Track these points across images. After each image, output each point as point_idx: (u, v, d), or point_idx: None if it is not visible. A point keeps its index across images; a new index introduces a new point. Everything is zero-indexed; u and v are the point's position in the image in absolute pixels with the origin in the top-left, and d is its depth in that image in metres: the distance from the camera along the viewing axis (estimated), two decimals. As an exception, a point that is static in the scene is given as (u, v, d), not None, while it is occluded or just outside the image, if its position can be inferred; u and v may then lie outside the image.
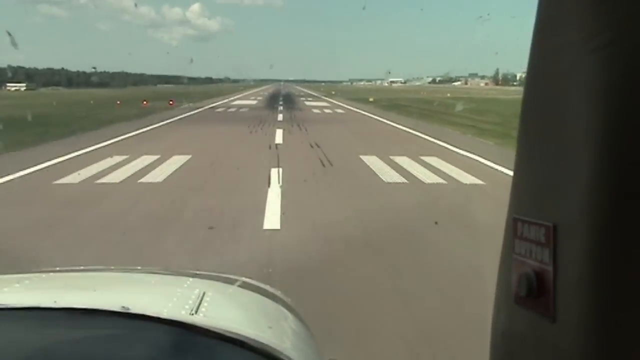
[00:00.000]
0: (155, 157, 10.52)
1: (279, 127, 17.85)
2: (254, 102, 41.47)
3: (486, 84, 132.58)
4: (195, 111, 26.96)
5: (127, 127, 17.41)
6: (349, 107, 33.62)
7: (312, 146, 13.18)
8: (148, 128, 17.98)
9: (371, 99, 40.23)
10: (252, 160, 10.58)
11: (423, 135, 15.77)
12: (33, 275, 1.07)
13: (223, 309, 0.93)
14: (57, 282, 1.08)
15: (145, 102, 29.97)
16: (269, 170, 9.03)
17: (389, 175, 9.00)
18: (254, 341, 0.72)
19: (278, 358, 0.71)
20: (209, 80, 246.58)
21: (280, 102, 39.28)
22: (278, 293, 1.20)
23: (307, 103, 39.84)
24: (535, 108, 0.46)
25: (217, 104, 36.84)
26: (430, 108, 29.47)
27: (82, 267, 1.26)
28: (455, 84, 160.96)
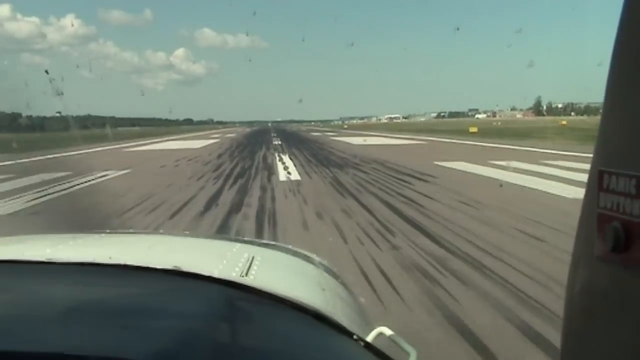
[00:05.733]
0: None
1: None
2: (213, 141, 25.19)
3: (523, 115, 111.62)
4: None
5: None
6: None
7: None
8: None
9: (473, 130, 28.85)
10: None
11: None
12: (87, 235, 1.10)
13: (273, 272, 0.93)
14: (110, 241, 1.12)
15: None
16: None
17: None
18: (305, 304, 0.71)
19: (329, 320, 0.70)
20: (189, 122, 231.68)
21: (275, 140, 23.64)
22: (325, 261, 1.18)
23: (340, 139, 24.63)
24: (626, 50, 0.42)
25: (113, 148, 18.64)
26: None
27: (132, 230, 1.40)
28: (479, 116, 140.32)
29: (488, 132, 28.49)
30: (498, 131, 29.09)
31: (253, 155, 17.09)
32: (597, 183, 0.43)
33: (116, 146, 23.39)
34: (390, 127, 52.78)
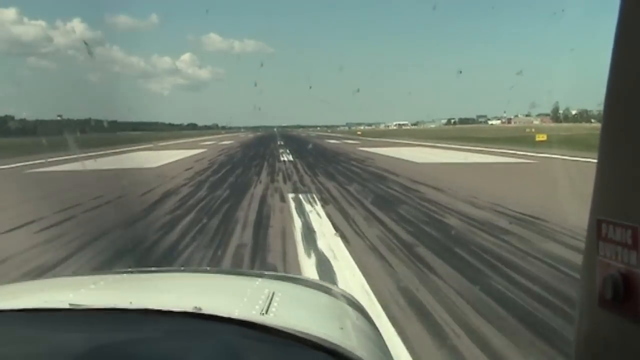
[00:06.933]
0: None
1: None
2: (196, 152, 19.49)
3: (542, 121, 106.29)
4: None
5: None
6: None
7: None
8: None
9: (541, 138, 23.47)
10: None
11: None
12: (108, 276, 1.08)
13: (293, 308, 0.93)
14: (131, 283, 1.10)
15: None
16: None
17: None
18: (324, 341, 0.71)
19: (349, 358, 0.71)
20: (192, 127, 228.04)
21: (283, 153, 17.59)
22: (346, 293, 1.16)
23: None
24: (619, 105, 0.43)
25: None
26: None
27: (154, 268, 1.24)
28: (494, 122, 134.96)
29: (561, 142, 22.31)
30: (570, 141, 22.86)
31: (238, 200, 8.21)
32: (596, 231, 0.43)
33: (56, 159, 18.34)
34: (413, 134, 47.05)
